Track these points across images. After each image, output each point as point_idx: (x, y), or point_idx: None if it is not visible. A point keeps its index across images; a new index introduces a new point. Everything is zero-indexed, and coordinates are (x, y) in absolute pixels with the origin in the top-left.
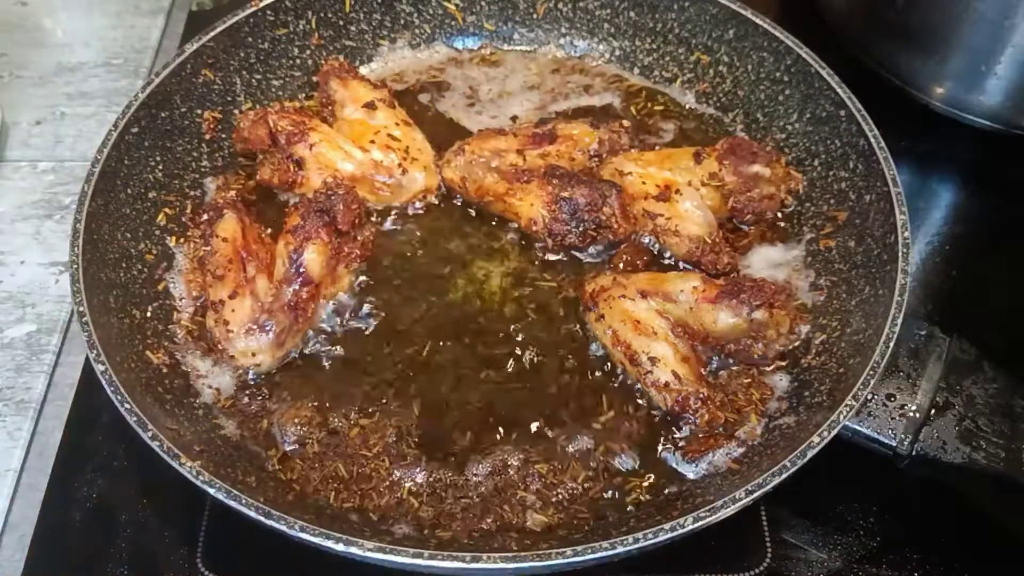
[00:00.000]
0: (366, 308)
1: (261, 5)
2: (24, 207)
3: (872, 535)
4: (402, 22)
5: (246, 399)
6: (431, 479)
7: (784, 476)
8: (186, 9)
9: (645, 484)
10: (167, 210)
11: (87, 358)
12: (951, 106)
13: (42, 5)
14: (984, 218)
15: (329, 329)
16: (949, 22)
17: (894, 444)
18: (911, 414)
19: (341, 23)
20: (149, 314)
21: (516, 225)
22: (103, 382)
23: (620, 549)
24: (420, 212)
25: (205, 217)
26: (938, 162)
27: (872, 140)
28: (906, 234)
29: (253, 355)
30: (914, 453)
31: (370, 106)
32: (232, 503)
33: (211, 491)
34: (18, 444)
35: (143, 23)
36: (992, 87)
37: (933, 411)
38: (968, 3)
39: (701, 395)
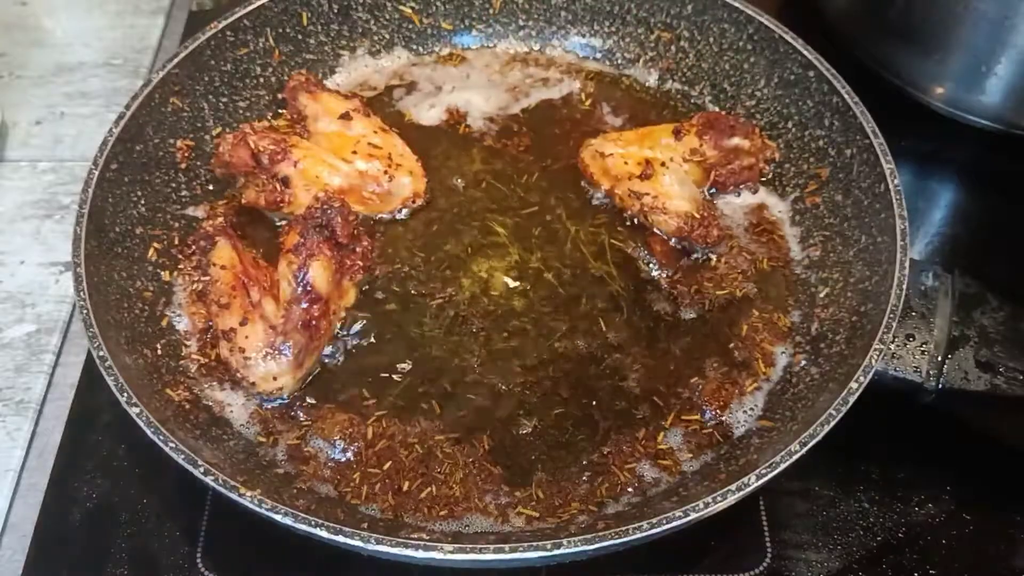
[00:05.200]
0: (377, 319)
1: (220, 26)
2: (24, 207)
3: (872, 534)
4: (360, 30)
5: (276, 422)
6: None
7: (832, 424)
8: (186, 9)
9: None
10: (155, 244)
11: (87, 358)
12: (951, 106)
13: (42, 5)
14: (984, 218)
15: (344, 343)
16: (949, 22)
17: (921, 381)
18: (931, 350)
19: (300, 37)
20: (160, 351)
21: (507, 218)
22: (140, 423)
23: (693, 516)
24: (409, 217)
25: (196, 247)
26: (938, 162)
27: (845, 96)
28: (896, 182)
29: (274, 379)
30: (940, 387)
31: (346, 117)
32: (324, 533)
33: (278, 518)
34: (18, 444)
35: (143, 23)
36: (992, 87)
37: (951, 345)
38: (968, 3)
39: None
